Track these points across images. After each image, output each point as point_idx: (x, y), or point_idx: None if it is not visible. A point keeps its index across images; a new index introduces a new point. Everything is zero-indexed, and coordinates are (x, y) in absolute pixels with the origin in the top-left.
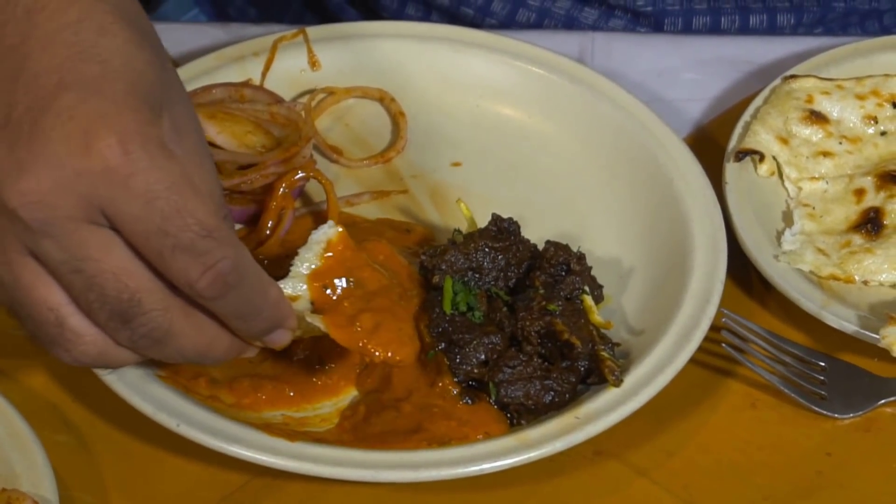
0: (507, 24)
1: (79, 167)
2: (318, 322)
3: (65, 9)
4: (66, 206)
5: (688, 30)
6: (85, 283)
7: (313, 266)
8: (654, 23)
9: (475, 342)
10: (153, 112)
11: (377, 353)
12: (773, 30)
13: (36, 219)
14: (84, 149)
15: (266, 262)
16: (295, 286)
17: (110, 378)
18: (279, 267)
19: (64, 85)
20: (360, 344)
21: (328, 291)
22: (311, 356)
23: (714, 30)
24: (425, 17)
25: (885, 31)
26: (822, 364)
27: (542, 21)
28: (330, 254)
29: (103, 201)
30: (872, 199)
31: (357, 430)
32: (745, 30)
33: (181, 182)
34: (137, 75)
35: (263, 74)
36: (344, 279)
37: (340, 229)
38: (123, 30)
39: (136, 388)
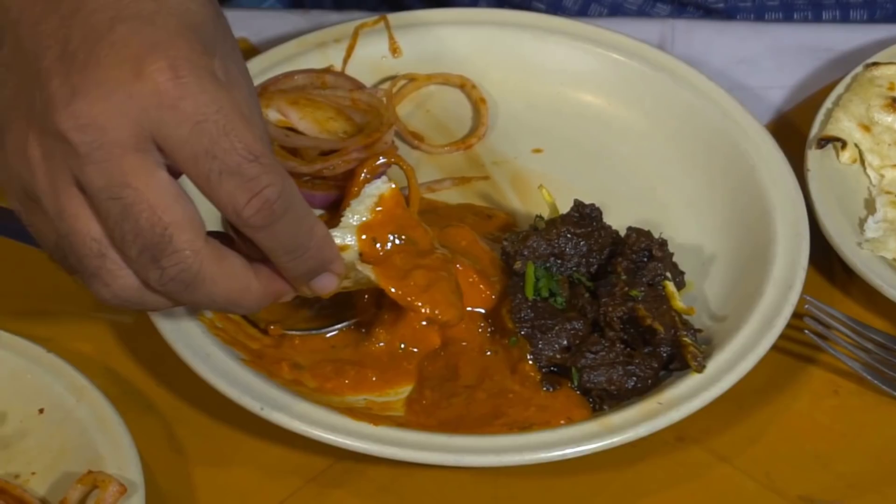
0: (579, 17)
1: (130, 90)
2: (368, 271)
3: None
4: (116, 129)
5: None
6: (121, 212)
7: (364, 219)
8: (726, 18)
9: (557, 328)
10: (205, 48)
11: (425, 310)
12: (847, 23)
13: (84, 142)
14: (136, 73)
15: None
16: (344, 236)
17: (195, 362)
18: None
19: (119, 18)
20: (409, 299)
21: (377, 245)
22: (394, 342)
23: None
24: (494, 2)
25: None
26: None
27: (614, 15)
28: (380, 208)
29: (153, 124)
30: None
31: (430, 416)
32: (819, 23)
33: (230, 107)
34: (191, 14)
35: (345, 61)
36: (394, 234)
37: (393, 185)
38: None
39: (220, 372)
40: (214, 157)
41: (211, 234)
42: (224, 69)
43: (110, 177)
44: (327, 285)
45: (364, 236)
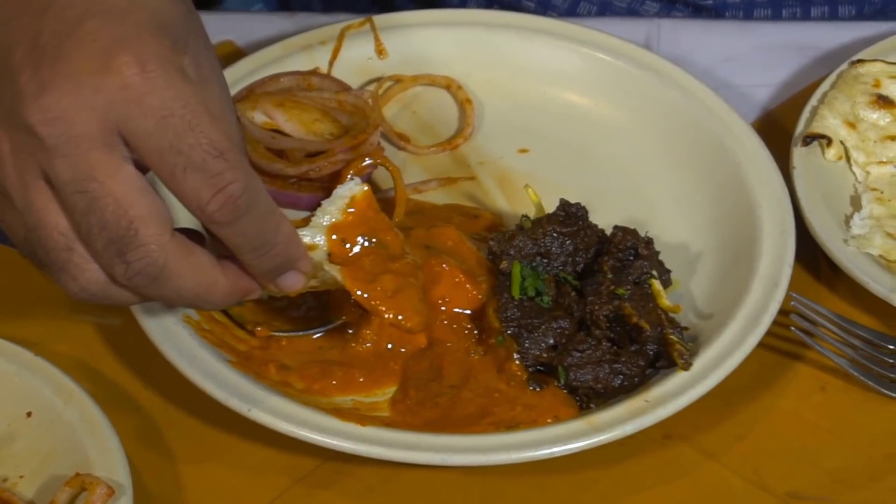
0: (568, 16)
1: (97, 84)
2: (335, 272)
3: None
4: (82, 122)
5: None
6: (87, 206)
7: (334, 219)
8: (714, 16)
9: (544, 327)
10: (174, 44)
11: (389, 315)
12: (834, 20)
13: (52, 135)
14: (103, 67)
15: None
16: (313, 235)
17: (182, 364)
18: None
19: (89, 14)
20: (374, 303)
21: (347, 246)
22: (381, 342)
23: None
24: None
25: None
26: (892, 347)
27: (603, 13)
28: (352, 210)
29: (119, 118)
30: None
31: (415, 415)
32: (806, 21)
33: (196, 103)
34: (161, 11)
35: (331, 63)
36: (364, 237)
37: (366, 188)
38: None
39: (207, 373)
40: (179, 153)
41: (179, 230)
42: (195, 66)
43: (77, 170)
44: (293, 283)
45: (334, 237)
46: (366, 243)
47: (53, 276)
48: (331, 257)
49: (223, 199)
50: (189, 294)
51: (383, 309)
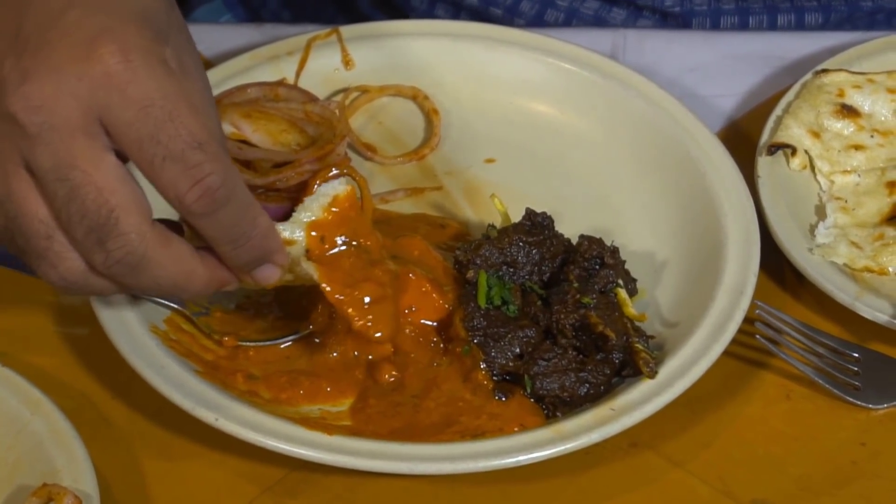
0: (535, 24)
1: (79, 72)
2: (311, 269)
3: None
4: (65, 110)
5: (716, 29)
6: (68, 193)
7: (314, 216)
8: (682, 23)
9: (510, 336)
10: (156, 35)
11: (359, 321)
12: (800, 28)
13: (34, 122)
14: (86, 56)
15: None
16: (293, 231)
17: (150, 374)
18: None
19: (72, 4)
20: (347, 308)
21: (326, 244)
22: (348, 351)
23: (742, 29)
24: (454, 18)
25: None
26: (856, 355)
27: (570, 21)
28: (335, 209)
29: (101, 107)
30: None
31: (377, 424)
32: (772, 29)
33: (177, 94)
34: (143, 3)
35: (298, 73)
36: (345, 237)
37: (350, 188)
38: None
39: (174, 383)
40: (158, 143)
41: (159, 221)
42: (177, 59)
43: (58, 158)
44: (269, 276)
45: (313, 233)
46: (346, 243)
47: (33, 264)
48: (308, 254)
49: (201, 190)
50: (167, 283)
51: (355, 315)
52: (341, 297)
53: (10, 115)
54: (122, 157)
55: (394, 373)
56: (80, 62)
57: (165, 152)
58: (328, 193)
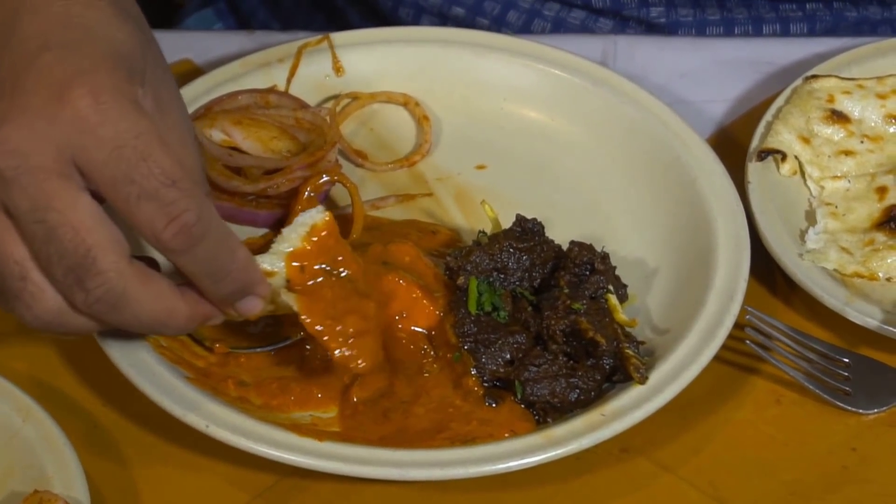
0: (522, 34)
1: (52, 116)
2: (291, 301)
3: None
4: (39, 154)
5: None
6: (46, 235)
7: (292, 247)
8: (667, 34)
9: (500, 342)
10: (130, 75)
11: (339, 353)
12: (786, 37)
13: (9, 166)
14: (58, 99)
15: None
16: (272, 262)
17: (140, 381)
18: None
19: (46, 46)
20: (326, 339)
21: (305, 274)
22: None
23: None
24: (415, 20)
25: None
26: (847, 360)
27: (557, 31)
28: (314, 238)
29: (74, 149)
30: (895, 197)
31: (366, 430)
32: (759, 36)
33: (149, 133)
34: (118, 43)
35: (288, 80)
36: (325, 265)
37: (328, 217)
38: (110, 6)
39: (165, 390)
40: (132, 182)
41: (138, 258)
42: (153, 96)
43: (35, 200)
44: (252, 308)
45: (294, 263)
46: (325, 273)
47: (8, 304)
48: (289, 284)
49: (177, 227)
50: (149, 320)
51: (335, 347)
52: (321, 329)
53: None
54: (99, 198)
55: (363, 395)
56: (52, 106)
57: (140, 191)
58: (306, 223)
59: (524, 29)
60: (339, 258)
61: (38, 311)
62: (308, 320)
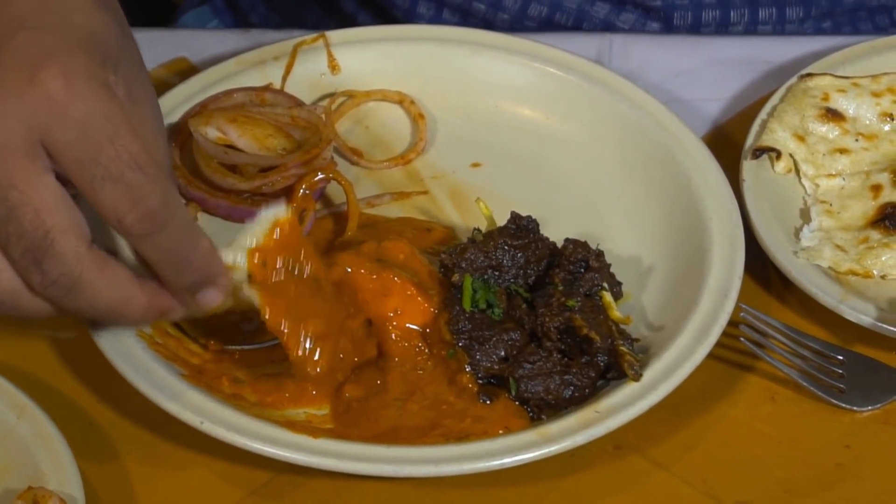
0: (519, 18)
1: (22, 94)
2: (253, 296)
3: None
4: (6, 131)
5: (697, 23)
6: (6, 214)
7: (256, 241)
8: (663, 17)
9: (495, 339)
10: (103, 61)
11: (297, 353)
12: (781, 22)
13: None
14: (29, 78)
15: None
16: (234, 256)
17: (135, 378)
18: None
19: (23, 27)
20: (287, 338)
21: (267, 269)
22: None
23: (723, 23)
24: (437, 14)
25: None
26: (841, 358)
27: (553, 15)
28: (277, 234)
29: (42, 129)
30: (889, 195)
31: (359, 427)
32: (754, 23)
33: (118, 116)
34: (94, 32)
35: (284, 78)
36: (287, 260)
37: (289, 213)
38: None
39: (160, 387)
40: (98, 163)
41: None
42: (126, 87)
43: None
44: (211, 300)
45: (256, 258)
46: (286, 268)
47: None
48: (251, 279)
49: (140, 211)
50: (104, 307)
51: (294, 347)
52: (282, 327)
53: None
54: (63, 182)
55: (356, 394)
56: (23, 84)
57: (105, 173)
58: (268, 219)
59: (521, 12)
60: (300, 254)
61: None
62: (268, 317)
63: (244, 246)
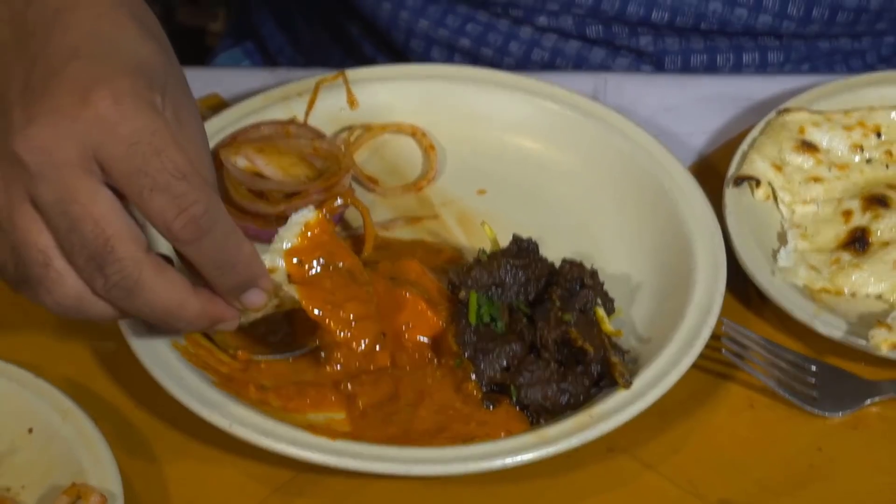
0: (523, 62)
1: (76, 115)
2: (293, 291)
3: (87, 7)
4: (63, 151)
5: (686, 67)
6: (69, 225)
7: (290, 244)
8: (655, 61)
9: (498, 350)
10: (150, 84)
11: (341, 334)
12: (764, 66)
13: (36, 162)
14: (82, 101)
15: None
16: (273, 259)
17: (170, 384)
18: None
19: (75, 56)
20: (328, 321)
21: (304, 267)
22: (349, 364)
23: (710, 67)
24: (449, 59)
25: (869, 67)
26: (814, 368)
27: (555, 59)
28: (309, 234)
29: (95, 146)
30: (859, 220)
31: (376, 430)
32: (738, 66)
33: (163, 132)
34: (141, 58)
35: (307, 112)
36: (321, 258)
37: (318, 213)
38: (136, 27)
39: (192, 393)
40: (146, 175)
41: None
42: (172, 108)
43: (59, 193)
44: (256, 300)
45: (294, 260)
46: (323, 264)
47: (32, 290)
48: (290, 278)
49: (186, 218)
50: (160, 308)
51: (337, 328)
52: (322, 314)
53: (15, 155)
54: (120, 195)
55: (379, 402)
56: (76, 107)
57: (152, 184)
58: (299, 222)
59: (525, 57)
60: (334, 251)
61: (58, 297)
62: (310, 308)
63: (280, 249)
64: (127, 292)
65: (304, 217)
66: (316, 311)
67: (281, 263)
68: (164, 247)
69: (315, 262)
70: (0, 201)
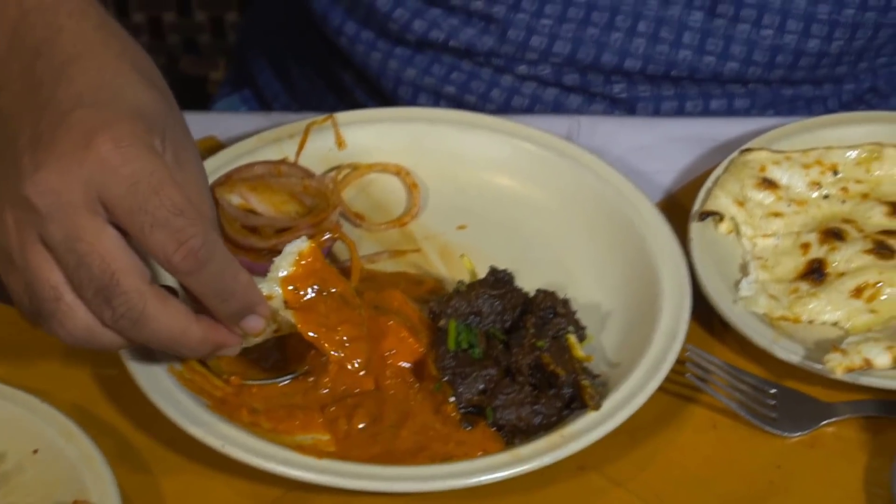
0: (504, 108)
1: (80, 159)
2: (289, 316)
3: (91, 59)
4: (70, 193)
5: (657, 113)
6: (77, 262)
7: (286, 272)
8: (628, 107)
9: (475, 374)
10: (149, 128)
11: (335, 354)
12: (731, 112)
13: (45, 204)
14: (85, 146)
15: None
16: (270, 287)
17: (167, 408)
18: None
19: (79, 105)
20: (323, 342)
21: (300, 293)
22: (336, 388)
23: (679, 113)
24: (435, 104)
25: (829, 112)
26: (773, 391)
27: (534, 106)
28: (303, 262)
29: (99, 187)
30: (816, 252)
31: (360, 450)
32: (706, 112)
33: (161, 172)
34: (142, 105)
35: (297, 153)
36: (315, 285)
37: (311, 243)
38: (137, 77)
39: (188, 415)
40: (146, 212)
41: (163, 287)
42: (172, 151)
43: (67, 232)
44: (255, 326)
45: (290, 287)
46: (317, 290)
47: (45, 323)
48: (287, 304)
49: (185, 251)
50: (165, 337)
51: (332, 349)
52: (317, 335)
53: (26, 199)
54: (123, 231)
55: (363, 424)
56: (80, 151)
57: (153, 220)
58: (293, 252)
59: (505, 104)
60: (326, 278)
61: (70, 328)
62: (306, 330)
63: (277, 277)
64: (133, 322)
65: (298, 247)
66: (311, 334)
67: (278, 290)
68: (170, 280)
69: (309, 289)
70: (14, 242)
